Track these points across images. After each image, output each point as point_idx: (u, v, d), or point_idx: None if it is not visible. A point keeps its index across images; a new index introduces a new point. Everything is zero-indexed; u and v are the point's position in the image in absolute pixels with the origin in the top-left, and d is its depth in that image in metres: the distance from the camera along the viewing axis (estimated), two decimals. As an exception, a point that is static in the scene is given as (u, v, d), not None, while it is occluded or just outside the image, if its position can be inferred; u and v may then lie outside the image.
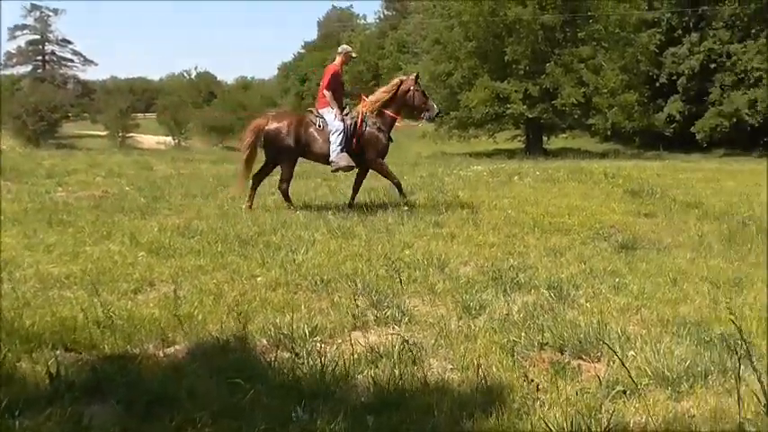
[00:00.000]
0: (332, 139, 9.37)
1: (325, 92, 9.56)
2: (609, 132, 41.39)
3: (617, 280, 5.76)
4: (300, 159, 10.04)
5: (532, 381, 3.33)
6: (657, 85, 42.92)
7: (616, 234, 7.97)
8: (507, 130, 40.92)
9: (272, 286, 5.49)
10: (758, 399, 3.10)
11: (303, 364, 3.69)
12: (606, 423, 3.03)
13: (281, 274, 5.82)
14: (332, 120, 9.43)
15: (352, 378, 3.63)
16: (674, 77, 42.71)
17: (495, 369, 3.77)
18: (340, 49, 10.20)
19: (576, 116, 37.16)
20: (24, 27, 75.31)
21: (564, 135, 43.67)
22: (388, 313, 4.78)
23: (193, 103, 63.74)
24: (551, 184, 13.51)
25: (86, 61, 77.31)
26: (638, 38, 37.91)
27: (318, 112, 9.63)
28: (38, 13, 74.93)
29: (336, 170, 9.83)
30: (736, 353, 3.51)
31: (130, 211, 9.12)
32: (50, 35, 76.19)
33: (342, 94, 9.89)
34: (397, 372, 3.65)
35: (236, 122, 52.80)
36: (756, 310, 4.91)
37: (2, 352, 3.74)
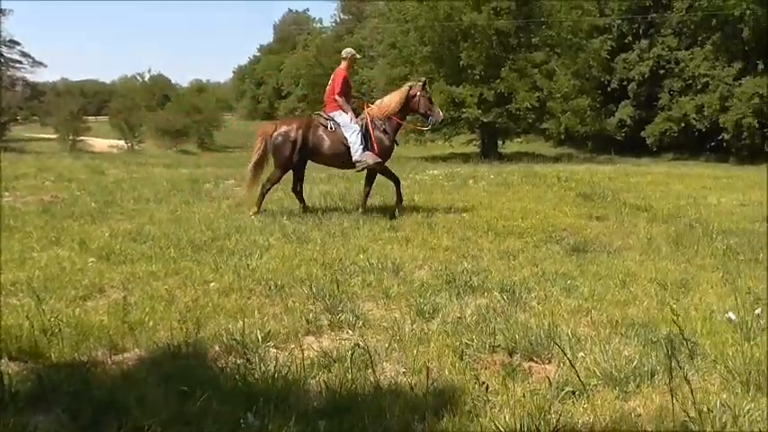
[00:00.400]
0: (351, 139, 9.47)
1: (338, 97, 9.65)
2: (562, 136, 42.17)
3: (568, 282, 5.85)
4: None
5: (483, 383, 3.37)
6: (609, 90, 43.87)
7: (568, 237, 8.09)
8: (463, 135, 41.28)
9: (226, 292, 5.44)
10: (699, 398, 3.19)
11: (255, 369, 3.67)
12: (555, 423, 3.08)
13: (234, 280, 5.78)
14: (347, 121, 9.54)
15: (305, 383, 3.62)
16: (625, 83, 43.71)
17: (447, 372, 3.80)
18: (344, 53, 10.20)
19: (530, 120, 37.72)
20: (-30, 28, 73.08)
21: (519, 139, 44.29)
22: (342, 318, 4.77)
23: (147, 106, 62.75)
24: (506, 187, 13.65)
25: (35, 63, 75.39)
26: (589, 44, 38.62)
27: (328, 115, 9.71)
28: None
29: (362, 169, 9.81)
30: (669, 353, 3.60)
31: (81, 216, 8.94)
32: (-3, 36, 74.14)
33: (350, 96, 10.02)
34: (349, 376, 3.65)
35: (191, 126, 52.24)
36: (701, 310, 5.03)
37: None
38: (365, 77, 49.59)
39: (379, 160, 9.63)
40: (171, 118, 55.24)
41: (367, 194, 10.02)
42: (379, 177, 10.08)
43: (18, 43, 71.38)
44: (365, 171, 9.92)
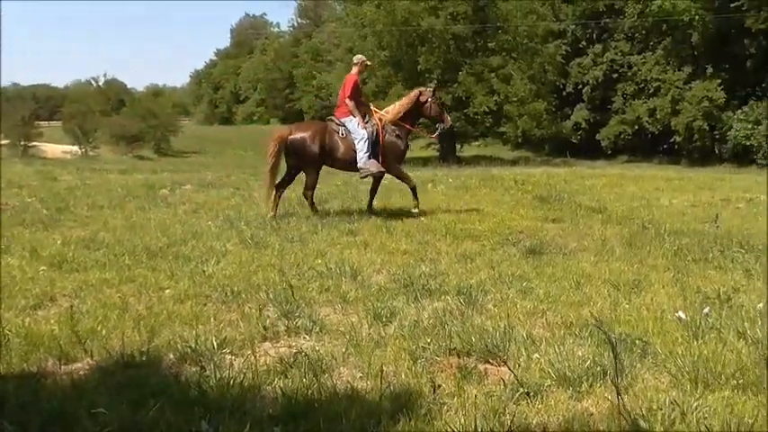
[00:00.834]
0: (358, 146, 9.60)
1: (348, 101, 9.73)
2: (520, 140, 42.71)
3: (524, 284, 5.90)
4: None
5: (439, 386, 3.38)
6: (564, 94, 44.64)
7: (525, 239, 8.18)
8: (421, 138, 41.54)
9: (181, 299, 5.37)
10: (649, 396, 3.26)
11: (210, 377, 3.63)
12: (509, 425, 3.11)
13: (190, 286, 5.71)
14: (355, 128, 9.65)
15: (261, 389, 3.59)
16: (580, 87, 44.54)
17: (403, 375, 3.81)
18: (355, 59, 10.27)
19: (487, 124, 38.14)
20: None
21: (477, 143, 44.72)
22: (299, 323, 4.75)
23: (101, 111, 61.65)
24: (464, 191, 13.78)
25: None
26: (545, 48, 39.27)
27: (340, 121, 9.82)
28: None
29: (366, 176, 9.97)
30: (614, 354, 3.66)
31: (32, 223, 8.76)
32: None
33: (361, 102, 10.08)
34: (306, 381, 3.64)
35: (147, 131, 51.48)
36: (653, 310, 5.13)
37: None
38: (323, 82, 49.54)
39: (382, 169, 9.79)
40: (126, 123, 54.31)
41: (371, 201, 10.30)
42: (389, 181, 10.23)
43: (-34, 47, 69.31)
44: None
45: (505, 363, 3.99)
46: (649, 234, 8.68)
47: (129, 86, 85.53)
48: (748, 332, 4.48)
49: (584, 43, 45.63)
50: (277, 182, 9.91)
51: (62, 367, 3.94)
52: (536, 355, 4.10)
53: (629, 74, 42.34)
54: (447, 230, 8.54)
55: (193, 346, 4.11)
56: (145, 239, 7.70)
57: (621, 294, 5.65)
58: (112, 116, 60.32)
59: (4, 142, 54.50)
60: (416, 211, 9.83)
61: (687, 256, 7.29)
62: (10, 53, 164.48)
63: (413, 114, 10.12)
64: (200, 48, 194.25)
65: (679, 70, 39.59)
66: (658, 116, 39.34)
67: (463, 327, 4.61)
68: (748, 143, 35.44)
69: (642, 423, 3.13)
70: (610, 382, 3.58)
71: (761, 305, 5.09)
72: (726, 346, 4.20)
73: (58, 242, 7.46)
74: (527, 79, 37.56)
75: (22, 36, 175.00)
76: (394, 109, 10.11)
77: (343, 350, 4.25)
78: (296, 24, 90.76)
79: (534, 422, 3.26)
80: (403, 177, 10.29)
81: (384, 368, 3.88)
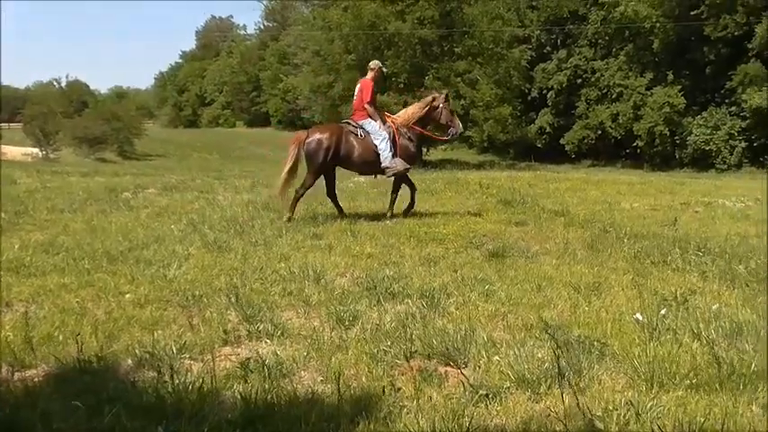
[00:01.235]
0: (380, 146, 9.80)
1: (367, 106, 9.91)
2: (485, 144, 43.03)
3: (486, 287, 5.94)
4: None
5: (399, 389, 3.39)
6: (529, 99, 45.12)
7: (488, 242, 8.22)
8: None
9: (141, 303, 5.31)
10: (606, 396, 3.31)
11: (168, 382, 3.60)
12: (468, 427, 3.13)
13: (150, 291, 5.65)
14: (376, 129, 9.84)
15: (220, 394, 3.57)
16: (545, 92, 45.07)
17: (364, 379, 3.81)
18: (372, 65, 10.47)
19: (454, 128, 38.26)
20: None
21: (443, 147, 44.85)
22: (261, 327, 4.72)
23: (63, 113, 60.49)
24: (429, 194, 13.80)
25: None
26: (510, 53, 39.59)
27: (357, 123, 9.97)
28: None
29: (392, 175, 10.08)
30: (557, 355, 3.70)
31: (-11, 227, 8.57)
32: None
33: (376, 106, 10.29)
34: (266, 386, 3.62)
35: (110, 133, 50.69)
36: (612, 312, 5.21)
37: None
38: (289, 85, 49.36)
39: (409, 166, 10.04)
40: (89, 125, 53.29)
41: (393, 202, 10.33)
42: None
43: None
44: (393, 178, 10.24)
45: (466, 365, 4.02)
46: (610, 237, 8.78)
47: (92, 88, 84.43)
48: (703, 333, 4.57)
49: (548, 49, 46.21)
50: (292, 183, 10.00)
51: (15, 374, 3.86)
52: (496, 357, 4.13)
53: (593, 79, 42.95)
54: (411, 234, 8.56)
55: (152, 351, 4.07)
56: (105, 243, 7.60)
57: (582, 297, 5.72)
58: (75, 118, 59.21)
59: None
60: (402, 216, 10.01)
61: (646, 259, 7.40)
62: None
63: (425, 119, 10.33)
64: (165, 50, 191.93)
65: (641, 76, 40.26)
66: (621, 121, 39.95)
67: (425, 330, 4.63)
68: (707, 148, 36.16)
69: (598, 423, 3.17)
70: (567, 383, 3.62)
71: (715, 306, 5.21)
72: (681, 346, 4.29)
73: (16, 246, 7.33)
74: (493, 84, 37.87)
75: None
76: (407, 113, 10.40)
77: (305, 354, 4.24)
78: (262, 27, 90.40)
79: (493, 424, 3.30)
80: (407, 181, 10.47)
81: (345, 372, 3.88)
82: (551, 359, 3.94)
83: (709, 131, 36.28)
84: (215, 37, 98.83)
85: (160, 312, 5.09)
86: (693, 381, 3.74)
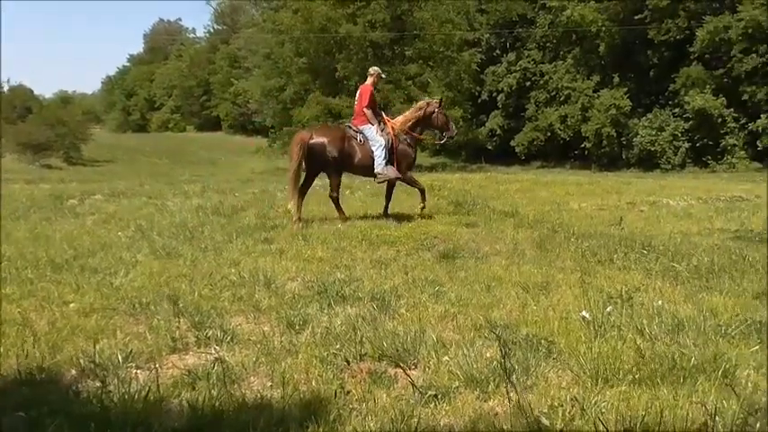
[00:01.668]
0: (376, 153, 10.01)
1: (366, 110, 10.14)
2: (437, 146, 43.18)
3: (437, 288, 5.98)
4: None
5: (349, 391, 3.39)
6: (480, 101, 45.56)
7: (439, 244, 8.28)
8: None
9: (86, 312, 5.19)
10: (552, 393, 3.36)
11: (113, 392, 3.53)
12: (416, 427, 3.15)
13: (96, 299, 5.53)
14: (374, 135, 10.06)
15: (166, 403, 3.51)
16: (495, 94, 45.61)
17: (314, 383, 3.80)
18: (371, 71, 10.73)
19: (405, 131, 38.42)
20: None
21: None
22: (210, 334, 4.67)
23: (6, 119, 58.86)
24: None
25: None
26: (460, 57, 39.95)
27: (357, 128, 10.18)
28: None
29: (383, 181, 10.37)
30: (503, 354, 3.76)
31: (-75, 237, 8.29)
32: None
33: (377, 111, 10.46)
34: (214, 393, 3.58)
35: (56, 139, 49.50)
36: (559, 310, 5.29)
37: None
38: (240, 89, 48.91)
39: (399, 175, 10.27)
40: (33, 131, 51.90)
41: (387, 206, 10.65)
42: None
43: None
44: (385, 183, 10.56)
45: (416, 366, 4.05)
46: (559, 237, 8.93)
47: (35, 93, 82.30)
48: (646, 329, 4.69)
49: (498, 52, 46.78)
50: (299, 184, 10.08)
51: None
52: (446, 357, 4.16)
53: (542, 82, 43.62)
54: (363, 237, 8.56)
55: (96, 360, 3.99)
56: (50, 252, 7.43)
57: (530, 296, 5.80)
58: (18, 124, 57.64)
59: None
60: (422, 210, 10.49)
61: (593, 258, 7.54)
62: None
63: (421, 124, 10.65)
64: (112, 53, 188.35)
65: (588, 79, 41.06)
66: (569, 123, 40.67)
67: (375, 332, 4.64)
68: (653, 149, 37.04)
69: (544, 420, 3.23)
70: (514, 381, 3.67)
71: (658, 303, 5.35)
72: (625, 343, 4.38)
73: (-45, 257, 7.10)
74: (444, 87, 38.13)
75: None
76: (404, 119, 10.64)
77: (254, 359, 4.20)
78: (212, 30, 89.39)
79: (442, 423, 3.32)
80: (413, 182, 10.75)
81: (294, 376, 3.87)
82: (499, 358, 3.99)
83: (654, 132, 37.18)
84: (163, 40, 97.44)
85: (106, 321, 4.99)
86: (636, 376, 3.83)
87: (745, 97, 34.68)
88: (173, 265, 6.88)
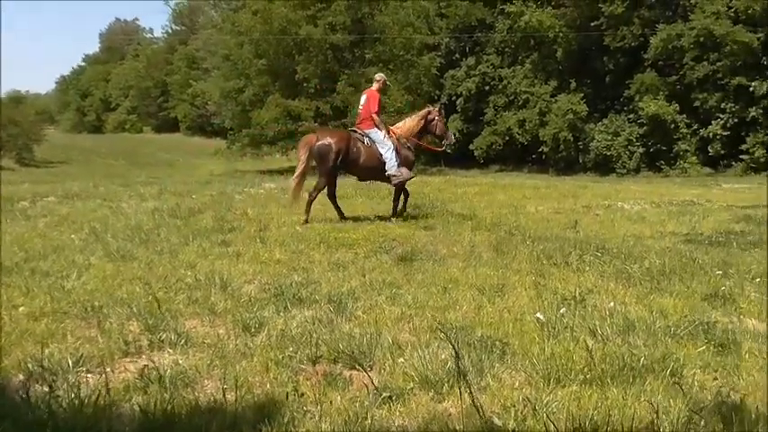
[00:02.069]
0: (386, 155, 10.30)
1: (375, 116, 10.45)
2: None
3: (394, 291, 6.00)
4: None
5: (303, 394, 3.39)
6: (439, 105, 45.72)
7: (397, 247, 8.31)
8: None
9: (36, 316, 5.08)
10: (505, 394, 3.41)
11: (62, 397, 3.46)
12: (369, 429, 3.16)
13: (46, 303, 5.41)
14: (382, 138, 10.36)
15: (117, 407, 3.46)
16: (454, 98, 45.89)
17: (268, 385, 3.79)
18: (377, 77, 11.13)
19: (365, 134, 38.49)
20: None
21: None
22: (164, 337, 4.61)
23: (-45, 119, 57.22)
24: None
25: None
26: (420, 60, 40.16)
27: (364, 132, 10.44)
28: None
29: (399, 182, 10.56)
30: (456, 356, 3.80)
31: None
32: None
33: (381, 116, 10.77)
34: (167, 396, 3.54)
35: (7, 140, 48.37)
36: (514, 312, 5.36)
37: None
38: (198, 90, 48.41)
39: (413, 175, 10.63)
40: (-18, 132, 50.65)
41: (395, 207, 10.90)
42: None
43: None
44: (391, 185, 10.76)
45: (371, 368, 4.06)
46: (515, 240, 9.04)
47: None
48: (599, 330, 4.78)
49: (457, 56, 47.12)
50: (303, 186, 10.39)
51: None
52: (401, 359, 4.19)
53: (500, 86, 44.06)
54: (321, 239, 8.55)
55: (45, 364, 3.91)
56: (-1, 255, 7.24)
57: (486, 298, 5.86)
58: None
59: None
60: (392, 222, 10.42)
61: (548, 261, 7.65)
62: None
63: (422, 130, 11.06)
64: (66, 53, 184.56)
65: (546, 84, 41.62)
66: (527, 127, 41.15)
67: (331, 334, 4.64)
68: (608, 153, 37.71)
69: (497, 420, 3.27)
70: (468, 382, 3.70)
71: (611, 304, 5.46)
72: (578, 343, 4.46)
73: None
74: (403, 90, 38.29)
75: None
76: (405, 125, 11.02)
77: (208, 362, 4.17)
78: (170, 30, 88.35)
79: (396, 425, 3.34)
80: (405, 191, 10.98)
81: (249, 379, 3.85)
82: (453, 360, 4.02)
83: (609, 137, 37.85)
84: (120, 40, 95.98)
85: (56, 325, 4.89)
86: (588, 376, 3.90)
87: (697, 104, 35.58)
88: (127, 268, 6.78)
